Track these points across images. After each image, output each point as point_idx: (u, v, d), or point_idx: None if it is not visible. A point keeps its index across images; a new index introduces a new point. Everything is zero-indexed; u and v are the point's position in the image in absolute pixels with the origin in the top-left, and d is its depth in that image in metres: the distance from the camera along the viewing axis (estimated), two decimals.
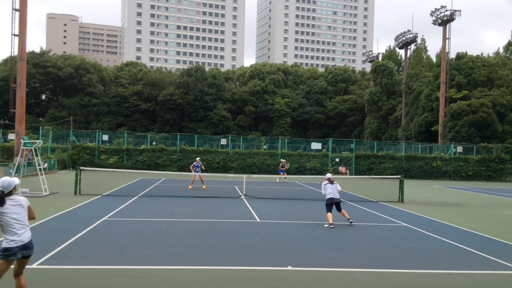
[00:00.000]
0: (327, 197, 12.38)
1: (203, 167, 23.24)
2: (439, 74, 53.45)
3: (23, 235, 5.25)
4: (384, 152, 39.46)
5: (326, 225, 12.21)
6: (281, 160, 31.00)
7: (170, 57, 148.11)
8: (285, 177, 29.19)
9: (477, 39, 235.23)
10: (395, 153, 39.82)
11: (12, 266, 5.43)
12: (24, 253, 5.27)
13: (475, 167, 38.51)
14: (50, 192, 17.79)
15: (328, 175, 12.92)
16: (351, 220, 12.50)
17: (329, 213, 12.23)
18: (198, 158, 23.08)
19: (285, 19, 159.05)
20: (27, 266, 7.25)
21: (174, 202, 16.29)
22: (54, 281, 6.62)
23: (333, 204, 12.41)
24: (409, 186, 25.39)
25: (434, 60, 71.05)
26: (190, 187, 21.98)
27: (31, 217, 5.52)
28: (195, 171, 22.02)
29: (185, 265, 7.66)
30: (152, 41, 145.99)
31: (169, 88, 73.61)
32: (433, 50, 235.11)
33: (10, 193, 5.25)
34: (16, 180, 5.37)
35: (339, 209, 12.61)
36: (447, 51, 52.01)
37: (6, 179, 5.27)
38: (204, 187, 22.06)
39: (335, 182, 12.65)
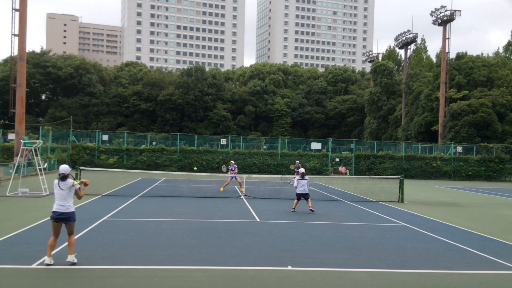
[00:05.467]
0: (299, 192, 14.69)
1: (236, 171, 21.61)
2: (439, 74, 53.45)
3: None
4: (384, 152, 39.44)
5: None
6: (296, 161, 31.41)
7: (170, 57, 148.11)
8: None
9: (484, 38, 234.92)
10: (395, 153, 39.80)
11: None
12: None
13: (475, 167, 38.50)
14: (50, 192, 17.76)
15: (302, 170, 15.31)
16: (312, 209, 14.51)
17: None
18: (232, 162, 22.31)
19: (285, 19, 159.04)
20: (26, 266, 7.27)
21: (174, 202, 16.28)
22: (55, 281, 6.62)
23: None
24: (409, 186, 25.39)
25: (434, 60, 71.05)
26: (222, 189, 21.12)
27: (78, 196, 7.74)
28: (231, 174, 21.14)
29: (185, 265, 7.66)
30: (152, 41, 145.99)
31: (169, 88, 73.61)
32: (434, 50, 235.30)
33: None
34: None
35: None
36: (447, 51, 52.01)
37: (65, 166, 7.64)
38: (242, 189, 20.51)
39: (306, 178, 14.82)
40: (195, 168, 14.77)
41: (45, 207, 13.88)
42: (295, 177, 15.16)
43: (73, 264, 7.32)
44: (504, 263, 8.67)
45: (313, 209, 14.55)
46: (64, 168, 7.55)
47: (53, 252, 8.12)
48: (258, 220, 12.85)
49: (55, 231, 7.48)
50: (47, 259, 7.29)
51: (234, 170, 21.28)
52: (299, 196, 14.72)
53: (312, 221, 12.92)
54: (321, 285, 6.86)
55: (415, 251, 9.46)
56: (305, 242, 9.89)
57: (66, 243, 7.86)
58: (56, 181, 7.47)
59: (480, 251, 9.60)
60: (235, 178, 21.06)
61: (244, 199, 17.82)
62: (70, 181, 7.48)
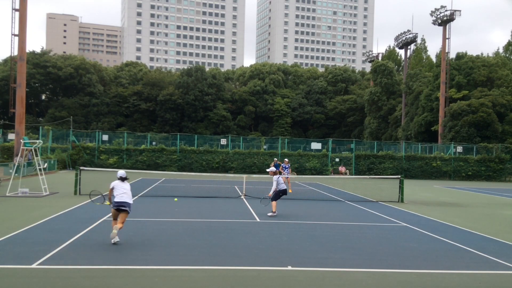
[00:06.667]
0: (283, 188, 13.60)
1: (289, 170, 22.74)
2: (439, 74, 53.45)
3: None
4: (384, 152, 39.44)
5: (270, 214, 13.44)
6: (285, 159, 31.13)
7: (170, 57, 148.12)
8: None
9: (485, 38, 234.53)
10: (395, 153, 39.79)
11: None
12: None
13: (475, 167, 38.50)
14: (50, 192, 17.79)
15: (272, 168, 14.21)
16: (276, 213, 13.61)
17: (275, 202, 13.60)
18: (286, 159, 22.68)
19: (285, 19, 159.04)
20: (26, 266, 7.28)
21: (174, 202, 16.27)
22: (54, 281, 6.62)
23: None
24: (409, 186, 25.39)
25: (434, 60, 71.06)
26: (290, 190, 20.88)
27: None
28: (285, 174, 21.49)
29: (185, 265, 7.66)
30: (152, 41, 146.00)
31: (169, 88, 73.62)
32: (434, 50, 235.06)
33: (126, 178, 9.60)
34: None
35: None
36: (447, 51, 52.02)
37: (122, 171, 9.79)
38: (290, 191, 20.78)
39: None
40: (176, 199, 16.00)
41: (45, 207, 13.88)
42: (277, 179, 13.56)
43: (114, 243, 8.90)
44: (504, 263, 8.67)
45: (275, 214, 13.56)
46: (123, 172, 9.71)
47: (51, 254, 8.15)
48: (258, 220, 12.85)
49: (114, 216, 9.40)
50: (114, 235, 8.95)
51: (288, 168, 21.78)
52: (282, 193, 13.54)
53: (312, 221, 12.92)
54: (321, 285, 6.86)
55: (415, 251, 9.46)
56: (305, 242, 9.89)
57: (65, 245, 7.85)
58: (117, 181, 9.51)
59: (480, 251, 9.60)
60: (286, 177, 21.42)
61: (244, 199, 17.83)
62: (127, 183, 9.69)
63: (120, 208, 9.23)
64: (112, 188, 9.45)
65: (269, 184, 26.67)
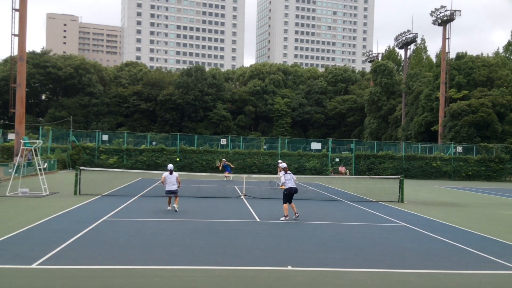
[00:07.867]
0: (287, 186, 12.83)
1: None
2: (439, 74, 53.44)
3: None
4: (384, 152, 39.43)
5: (282, 218, 12.71)
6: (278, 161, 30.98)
7: (170, 57, 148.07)
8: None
9: (486, 38, 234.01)
10: (395, 153, 39.78)
11: None
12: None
13: (475, 167, 38.49)
14: (50, 192, 17.78)
15: (284, 164, 13.87)
16: (297, 215, 12.92)
17: (285, 205, 12.82)
18: (279, 161, 24.60)
19: (285, 19, 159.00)
20: (26, 266, 7.28)
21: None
22: (54, 281, 6.62)
23: (292, 195, 12.90)
24: (409, 186, 25.39)
25: (434, 60, 71.03)
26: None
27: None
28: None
29: (185, 265, 7.66)
30: (152, 41, 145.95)
31: (169, 88, 73.61)
32: (434, 50, 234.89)
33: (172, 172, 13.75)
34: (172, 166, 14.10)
35: (290, 201, 13.02)
36: (447, 51, 52.00)
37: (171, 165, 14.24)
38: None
39: (289, 172, 13.34)
40: (178, 159, 18.02)
41: (45, 207, 13.87)
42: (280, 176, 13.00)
43: (175, 211, 13.43)
44: (504, 263, 8.67)
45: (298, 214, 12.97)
46: (171, 166, 14.12)
47: (51, 254, 8.15)
48: (258, 220, 12.85)
49: (169, 200, 13.89)
50: (170, 207, 13.82)
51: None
52: (291, 192, 12.77)
53: (312, 221, 12.92)
54: (321, 285, 6.86)
55: (415, 251, 9.46)
56: (305, 242, 9.89)
57: (65, 245, 7.86)
58: (167, 173, 13.75)
59: (480, 251, 9.60)
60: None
61: (244, 199, 17.82)
62: (175, 173, 13.75)
63: (171, 195, 13.50)
64: (164, 178, 13.53)
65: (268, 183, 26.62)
